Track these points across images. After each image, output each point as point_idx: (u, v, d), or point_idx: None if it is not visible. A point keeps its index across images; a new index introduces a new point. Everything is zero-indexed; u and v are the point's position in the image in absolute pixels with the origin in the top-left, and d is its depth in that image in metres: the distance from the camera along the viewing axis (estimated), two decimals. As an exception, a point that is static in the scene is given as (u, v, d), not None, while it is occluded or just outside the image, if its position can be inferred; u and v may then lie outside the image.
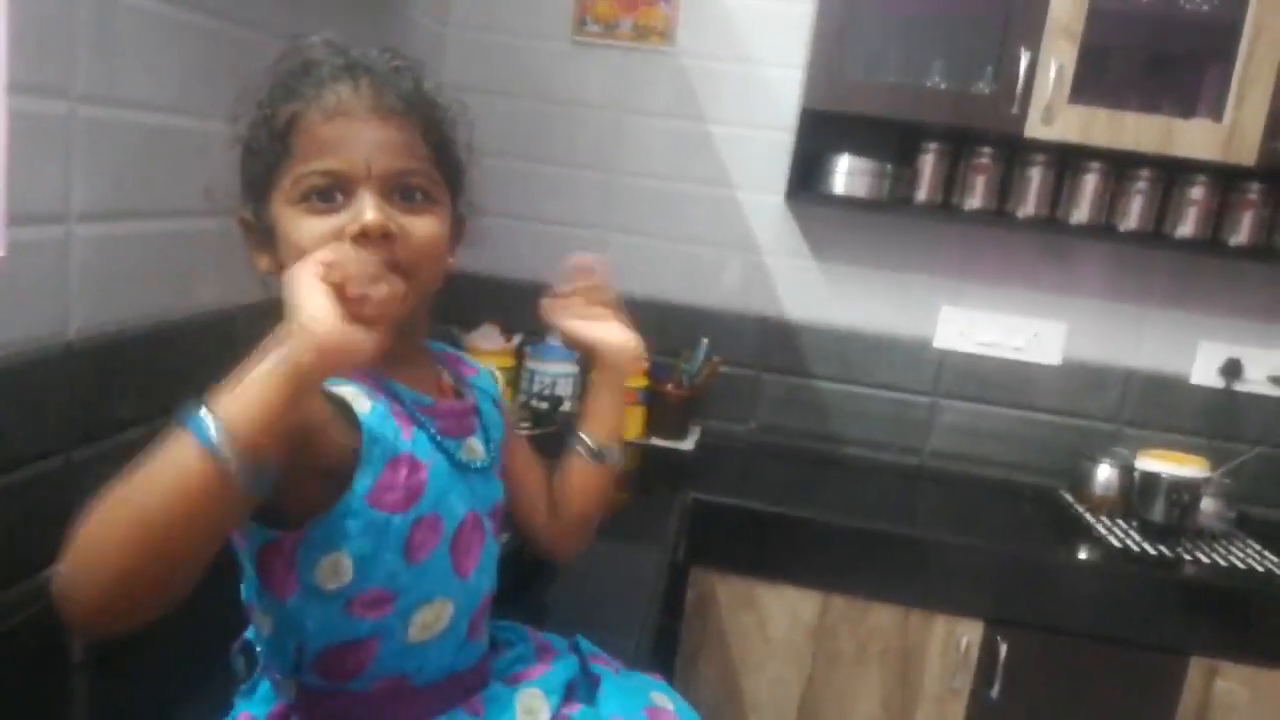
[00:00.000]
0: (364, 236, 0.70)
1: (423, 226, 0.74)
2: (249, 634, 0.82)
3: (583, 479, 1.00)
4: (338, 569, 0.72)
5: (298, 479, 0.66)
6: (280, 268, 0.73)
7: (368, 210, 0.70)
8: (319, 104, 0.72)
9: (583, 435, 0.99)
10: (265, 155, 0.74)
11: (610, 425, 1.00)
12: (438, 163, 0.77)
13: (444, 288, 0.81)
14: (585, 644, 0.98)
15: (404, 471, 0.74)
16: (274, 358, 0.58)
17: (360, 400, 0.73)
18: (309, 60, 0.75)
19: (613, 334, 0.97)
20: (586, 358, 1.00)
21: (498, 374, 0.98)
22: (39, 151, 0.93)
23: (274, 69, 0.76)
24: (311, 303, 0.59)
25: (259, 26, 1.27)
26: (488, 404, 0.91)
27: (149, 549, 0.55)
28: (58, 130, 0.95)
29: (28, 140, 0.91)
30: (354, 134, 0.72)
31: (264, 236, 0.76)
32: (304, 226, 0.71)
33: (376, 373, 0.77)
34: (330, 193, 0.71)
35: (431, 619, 0.78)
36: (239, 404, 0.57)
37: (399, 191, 0.74)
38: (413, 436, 0.77)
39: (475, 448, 0.84)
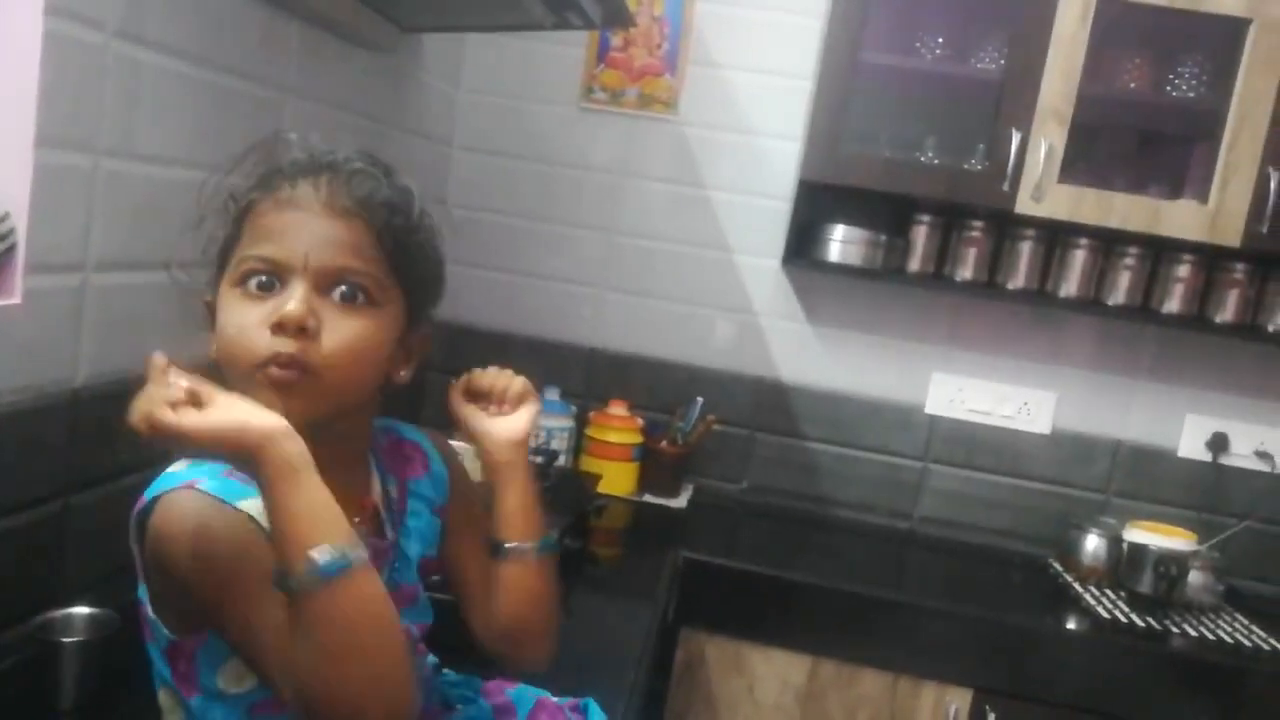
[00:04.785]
0: (280, 327, 0.69)
1: (348, 329, 0.72)
2: None
3: (506, 582, 0.90)
4: (240, 674, 0.72)
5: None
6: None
7: (290, 301, 0.69)
8: (275, 194, 0.73)
9: (492, 540, 0.90)
10: (224, 239, 0.75)
11: (518, 523, 0.90)
12: (393, 269, 0.75)
13: (442, 344, 0.81)
14: (596, 712, 0.97)
15: None
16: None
17: None
18: (278, 152, 0.76)
19: (495, 427, 0.89)
20: (477, 449, 0.92)
21: (457, 455, 0.94)
22: (63, 202, 0.96)
23: (245, 156, 0.77)
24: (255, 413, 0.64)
25: (275, 85, 1.32)
26: (422, 518, 0.88)
27: None
28: (82, 182, 0.98)
29: (54, 191, 0.94)
30: (299, 226, 0.71)
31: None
32: (234, 311, 0.71)
33: None
34: (270, 281, 0.71)
35: None
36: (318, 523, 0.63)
37: (339, 291, 0.72)
38: None
39: None
